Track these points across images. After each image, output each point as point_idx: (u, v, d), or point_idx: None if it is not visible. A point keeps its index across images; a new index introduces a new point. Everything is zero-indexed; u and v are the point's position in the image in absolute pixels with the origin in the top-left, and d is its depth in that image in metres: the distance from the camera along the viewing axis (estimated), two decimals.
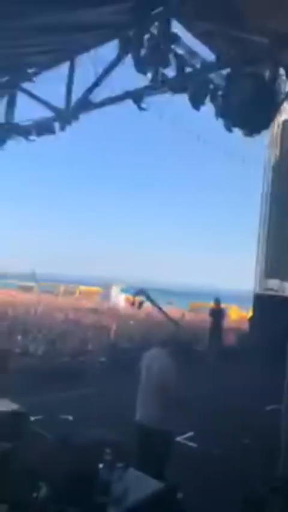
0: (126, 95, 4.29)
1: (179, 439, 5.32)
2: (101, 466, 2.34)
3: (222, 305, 14.26)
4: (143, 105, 4.18)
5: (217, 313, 13.09)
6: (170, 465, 3.66)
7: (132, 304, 12.93)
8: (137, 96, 4.15)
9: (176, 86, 4.72)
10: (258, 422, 6.28)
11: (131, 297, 14.03)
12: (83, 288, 27.62)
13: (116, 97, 4.37)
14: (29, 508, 2.40)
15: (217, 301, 13.32)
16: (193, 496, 3.60)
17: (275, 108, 3.23)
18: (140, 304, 12.56)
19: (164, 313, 13.08)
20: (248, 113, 3.23)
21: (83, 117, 4.87)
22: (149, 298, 12.56)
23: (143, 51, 4.48)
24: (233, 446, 5.58)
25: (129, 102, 4.27)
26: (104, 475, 2.30)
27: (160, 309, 12.95)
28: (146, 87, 4.18)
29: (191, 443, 5.66)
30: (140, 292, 12.61)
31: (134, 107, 4.43)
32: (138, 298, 12.74)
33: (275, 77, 3.29)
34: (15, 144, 5.48)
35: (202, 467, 4.87)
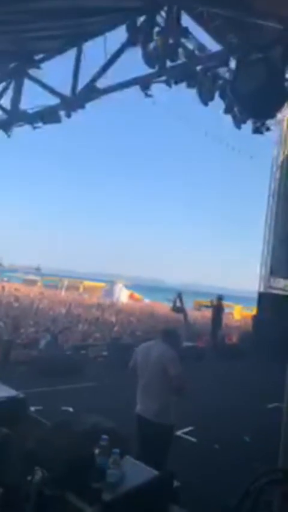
0: (133, 82, 4.24)
1: (178, 433, 5.28)
2: (96, 451, 2.31)
3: (226, 304, 14.52)
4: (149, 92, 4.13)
5: (218, 309, 13.40)
6: (170, 458, 3.62)
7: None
8: (143, 83, 4.10)
9: (183, 78, 4.68)
10: (259, 419, 6.24)
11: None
12: (87, 283, 27.68)
13: (122, 83, 4.32)
14: (24, 491, 2.39)
15: (220, 298, 13.60)
16: (192, 487, 3.58)
17: (284, 94, 3.16)
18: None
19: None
20: (257, 99, 3.16)
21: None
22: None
23: (151, 45, 4.45)
24: (232, 442, 5.54)
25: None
26: (100, 461, 2.27)
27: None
28: (152, 75, 4.13)
29: (190, 438, 5.62)
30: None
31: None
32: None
33: (285, 62, 3.23)
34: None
35: (201, 460, 4.85)
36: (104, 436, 2.33)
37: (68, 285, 24.94)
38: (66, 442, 2.40)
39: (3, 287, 18.80)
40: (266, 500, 2.44)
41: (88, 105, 4.60)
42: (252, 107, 3.36)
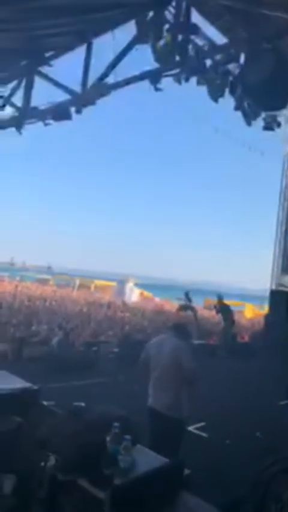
0: (143, 76, 4.26)
1: (190, 428, 5.30)
2: (108, 439, 2.35)
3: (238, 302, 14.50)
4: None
5: (224, 308, 13.39)
6: (181, 452, 3.64)
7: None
8: (153, 78, 4.12)
9: (192, 73, 4.69)
10: (271, 416, 6.22)
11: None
12: (98, 282, 27.82)
13: (132, 78, 4.34)
14: (37, 478, 2.44)
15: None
16: (202, 480, 3.60)
17: None
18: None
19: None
20: (267, 90, 3.15)
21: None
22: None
23: (161, 42, 4.47)
24: (244, 438, 5.54)
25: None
26: (111, 448, 2.30)
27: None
28: (162, 69, 4.15)
29: (202, 433, 5.64)
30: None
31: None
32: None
33: None
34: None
35: (212, 455, 4.87)
36: (116, 424, 2.36)
37: (80, 284, 25.12)
38: (78, 429, 2.43)
39: (16, 286, 19.00)
40: (277, 491, 2.43)
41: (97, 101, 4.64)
42: (261, 98, 3.34)
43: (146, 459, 2.38)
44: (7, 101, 5.45)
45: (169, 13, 4.63)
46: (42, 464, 2.39)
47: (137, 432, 2.52)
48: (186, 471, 2.40)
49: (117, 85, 4.49)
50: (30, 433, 2.71)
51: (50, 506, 2.32)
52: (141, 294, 25.02)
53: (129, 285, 24.25)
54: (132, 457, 2.29)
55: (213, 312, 18.47)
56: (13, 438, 2.80)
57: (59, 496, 2.32)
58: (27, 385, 3.50)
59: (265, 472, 2.46)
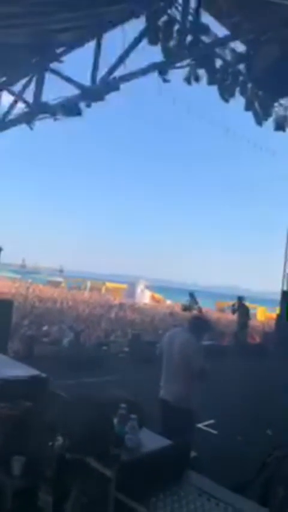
0: (151, 68, 4.30)
1: (200, 425, 5.30)
2: (115, 421, 2.38)
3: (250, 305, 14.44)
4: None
5: (243, 310, 13.28)
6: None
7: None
8: (161, 69, 4.16)
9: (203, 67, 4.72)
10: (282, 414, 6.17)
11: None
12: (109, 284, 27.92)
13: (140, 70, 4.39)
14: (46, 460, 2.48)
15: (240, 299, 13.48)
16: (211, 471, 3.59)
17: None
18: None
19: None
20: (274, 76, 3.17)
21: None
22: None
23: (172, 42, 4.52)
24: (254, 435, 5.50)
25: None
26: (118, 429, 2.33)
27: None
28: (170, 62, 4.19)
29: (211, 430, 5.62)
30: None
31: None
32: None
33: None
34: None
35: (222, 450, 4.85)
36: (123, 405, 2.38)
37: (91, 286, 25.26)
38: (86, 411, 2.46)
39: (27, 288, 19.20)
40: (284, 474, 2.42)
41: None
42: (268, 85, 3.36)
43: (153, 441, 2.40)
44: (19, 97, 5.56)
45: (178, 12, 4.67)
46: (50, 444, 2.43)
47: (142, 414, 2.54)
48: (193, 453, 2.41)
49: (126, 78, 4.53)
50: (39, 416, 2.75)
51: (58, 484, 2.35)
52: (152, 296, 25.06)
53: (141, 287, 24.31)
54: (139, 437, 2.31)
55: (225, 314, 18.35)
56: (23, 421, 2.85)
57: (66, 475, 2.35)
58: (36, 372, 3.56)
59: (271, 456, 2.46)
